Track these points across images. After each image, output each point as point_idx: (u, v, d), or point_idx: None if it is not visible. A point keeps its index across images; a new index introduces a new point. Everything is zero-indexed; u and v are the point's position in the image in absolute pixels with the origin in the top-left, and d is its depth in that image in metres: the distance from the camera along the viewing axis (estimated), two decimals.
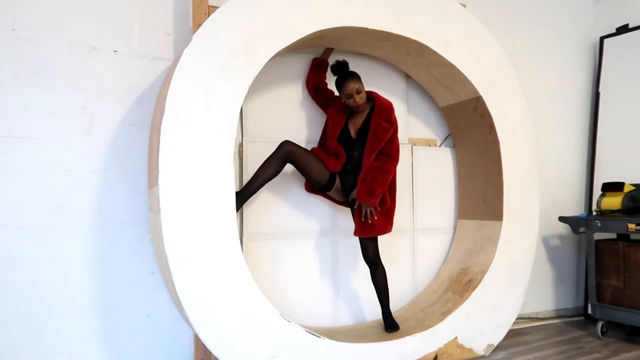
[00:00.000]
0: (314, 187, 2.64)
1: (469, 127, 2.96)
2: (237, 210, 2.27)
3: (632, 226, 2.85)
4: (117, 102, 2.42)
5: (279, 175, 2.44)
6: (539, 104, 3.55)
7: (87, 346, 2.33)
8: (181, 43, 2.55)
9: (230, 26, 2.17)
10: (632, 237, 3.09)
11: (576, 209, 3.70)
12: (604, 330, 3.07)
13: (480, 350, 2.70)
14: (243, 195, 2.33)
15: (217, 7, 2.25)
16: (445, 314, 2.62)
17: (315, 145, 2.70)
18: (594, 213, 3.23)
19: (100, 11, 2.41)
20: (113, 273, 2.39)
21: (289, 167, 2.46)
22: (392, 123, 2.48)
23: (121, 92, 2.43)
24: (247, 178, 2.56)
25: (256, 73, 2.20)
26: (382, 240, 2.61)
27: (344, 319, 2.80)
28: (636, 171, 3.37)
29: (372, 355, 2.36)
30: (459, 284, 2.82)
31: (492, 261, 2.73)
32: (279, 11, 2.26)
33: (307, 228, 2.74)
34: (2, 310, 2.18)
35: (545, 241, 3.58)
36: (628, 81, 3.54)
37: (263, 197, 2.61)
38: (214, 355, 2.15)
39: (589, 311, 3.19)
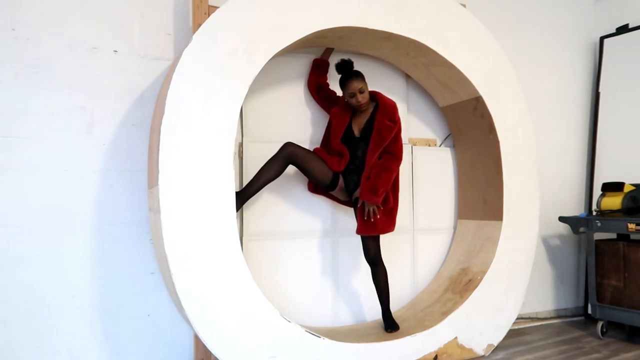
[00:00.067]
0: (317, 187, 2.64)
1: (469, 127, 2.96)
2: (237, 211, 2.27)
3: (632, 226, 2.85)
4: (117, 102, 2.42)
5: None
6: (539, 104, 3.55)
7: (87, 346, 2.33)
8: (181, 43, 2.55)
9: (230, 26, 2.17)
10: (632, 237, 3.09)
11: (576, 209, 3.70)
12: (604, 330, 3.07)
13: (480, 350, 2.70)
14: (243, 196, 2.33)
15: (217, 7, 2.25)
16: (445, 314, 2.62)
17: (316, 145, 2.71)
18: (594, 213, 3.23)
19: (100, 11, 2.41)
20: (113, 273, 2.39)
21: (290, 168, 2.46)
22: (395, 122, 2.49)
23: (121, 92, 2.44)
24: (247, 178, 2.56)
25: (256, 73, 2.20)
26: (383, 240, 2.61)
27: (344, 319, 2.80)
28: (636, 171, 3.37)
29: (372, 355, 2.36)
30: (459, 284, 2.82)
31: (492, 261, 2.73)
32: (279, 11, 2.26)
33: (307, 228, 2.74)
34: (2, 310, 2.18)
35: (545, 241, 3.58)
36: (628, 81, 3.54)
37: (263, 197, 2.61)
38: (214, 355, 2.15)
39: (589, 311, 3.19)
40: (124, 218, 2.42)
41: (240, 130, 2.61)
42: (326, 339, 2.27)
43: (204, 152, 2.07)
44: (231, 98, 2.15)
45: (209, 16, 2.22)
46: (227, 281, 2.09)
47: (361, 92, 2.45)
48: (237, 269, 2.11)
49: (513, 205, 2.81)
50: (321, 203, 2.77)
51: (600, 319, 3.07)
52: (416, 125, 3.09)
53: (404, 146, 2.59)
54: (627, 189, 3.09)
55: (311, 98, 2.78)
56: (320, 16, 2.35)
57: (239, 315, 2.11)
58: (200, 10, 2.39)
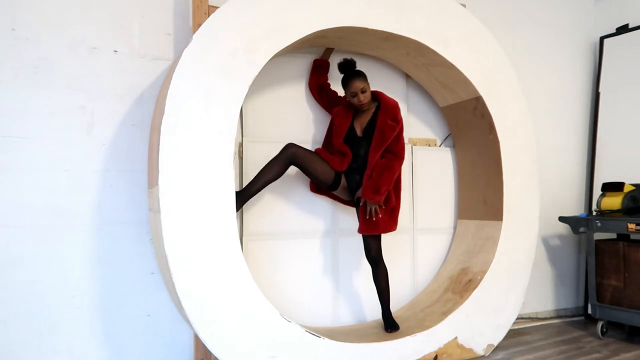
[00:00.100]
0: (319, 187, 2.65)
1: (469, 127, 2.96)
2: (237, 210, 2.27)
3: (632, 226, 2.85)
4: (117, 102, 2.42)
5: None
6: (539, 104, 3.55)
7: (87, 346, 2.33)
8: (181, 43, 2.55)
9: (230, 26, 2.17)
10: (632, 237, 3.09)
11: (576, 209, 3.70)
12: (604, 330, 3.07)
13: (480, 350, 2.70)
14: (244, 196, 2.33)
15: (217, 7, 2.25)
16: (445, 314, 2.62)
17: (316, 145, 2.71)
18: (594, 213, 3.23)
19: (100, 11, 2.41)
20: (113, 273, 2.39)
21: (290, 168, 2.46)
22: (397, 122, 2.49)
23: (121, 92, 2.43)
24: (247, 178, 2.56)
25: (256, 73, 2.20)
26: (383, 240, 2.61)
27: (344, 319, 2.80)
28: (636, 171, 3.37)
29: (372, 355, 2.36)
30: (459, 284, 2.82)
31: (492, 261, 2.73)
32: (279, 11, 2.26)
33: (307, 228, 2.74)
34: (2, 310, 2.18)
35: (545, 241, 3.58)
36: (628, 81, 3.54)
37: (263, 198, 2.61)
38: (214, 355, 2.15)
39: (589, 311, 3.19)
40: (124, 218, 2.42)
41: (240, 130, 2.61)
42: (326, 339, 2.27)
43: (204, 152, 2.07)
44: (231, 98, 2.15)
45: (209, 16, 2.22)
46: (227, 281, 2.09)
47: (363, 91, 2.45)
48: (237, 269, 2.11)
49: (513, 205, 2.81)
50: (321, 203, 2.77)
51: (600, 319, 3.07)
52: (416, 125, 3.09)
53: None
54: (627, 189, 3.09)
55: (311, 98, 2.78)
56: (320, 16, 2.35)
57: (239, 315, 2.11)
58: (200, 10, 2.39)
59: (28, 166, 2.24)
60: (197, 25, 2.33)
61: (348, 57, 2.56)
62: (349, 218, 2.81)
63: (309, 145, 2.69)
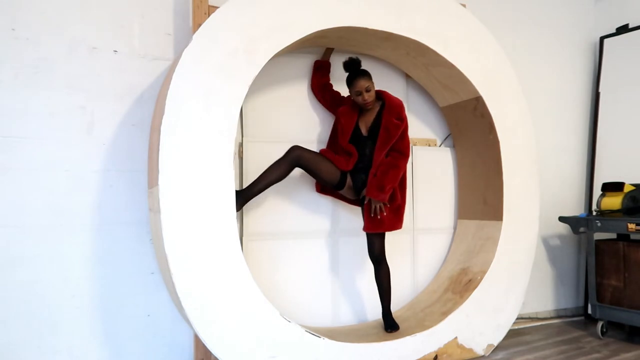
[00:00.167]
0: (324, 187, 2.65)
1: (469, 127, 2.96)
2: (238, 210, 2.27)
3: (632, 226, 2.85)
4: (117, 102, 2.42)
5: None
6: (539, 104, 3.55)
7: (87, 346, 2.33)
8: (181, 43, 2.55)
9: (230, 26, 2.17)
10: (632, 237, 3.09)
11: (576, 209, 3.70)
12: (604, 330, 3.07)
13: (480, 350, 2.70)
14: (246, 196, 2.33)
15: (217, 7, 2.25)
16: (445, 314, 2.62)
17: (317, 144, 2.71)
18: (594, 213, 3.23)
19: (100, 11, 2.41)
20: (113, 273, 2.39)
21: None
22: (402, 120, 2.50)
23: (121, 92, 2.43)
24: (247, 178, 2.56)
25: (256, 73, 2.20)
26: None
27: (344, 319, 2.80)
28: (636, 171, 3.37)
29: (372, 355, 2.36)
30: (459, 284, 2.82)
31: (492, 261, 2.73)
32: (279, 11, 2.26)
33: (307, 228, 2.74)
34: (2, 310, 2.18)
35: (545, 241, 3.58)
36: (628, 81, 3.54)
37: (263, 197, 2.61)
38: (214, 355, 2.15)
39: (589, 311, 3.19)
40: (124, 218, 2.42)
41: (240, 130, 2.61)
42: (326, 339, 2.27)
43: (204, 152, 2.07)
44: (231, 98, 2.15)
45: (209, 16, 2.22)
46: (227, 281, 2.09)
47: (368, 90, 2.46)
48: (237, 269, 2.11)
49: (513, 205, 2.81)
50: (321, 203, 2.77)
51: (600, 319, 3.07)
52: (416, 125, 3.09)
53: None
54: (627, 189, 3.09)
55: (312, 98, 2.78)
56: (320, 16, 2.35)
57: (239, 315, 2.10)
58: (200, 10, 2.39)
59: (28, 166, 2.24)
60: (197, 25, 2.33)
61: (353, 56, 2.56)
62: (349, 218, 2.81)
63: (309, 145, 2.68)
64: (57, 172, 2.30)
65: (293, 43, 2.31)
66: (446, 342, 2.57)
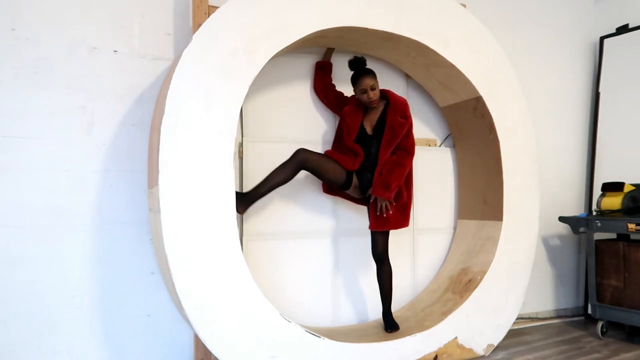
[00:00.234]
0: (331, 188, 2.65)
1: (469, 127, 2.96)
2: (243, 213, 2.28)
3: (632, 226, 2.85)
4: (117, 102, 2.42)
5: None
6: (539, 104, 3.55)
7: (87, 346, 2.33)
8: (181, 43, 2.55)
9: (230, 26, 2.17)
10: (632, 237, 3.09)
11: (576, 209, 3.70)
12: (604, 330, 3.07)
13: (480, 350, 2.70)
14: (251, 198, 2.33)
15: (217, 7, 2.25)
16: (445, 314, 2.62)
17: (317, 144, 2.71)
18: (594, 213, 3.23)
19: (100, 11, 2.41)
20: (113, 273, 2.39)
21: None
22: (407, 118, 2.51)
23: (121, 92, 2.43)
24: (247, 178, 2.56)
25: (256, 73, 2.20)
26: None
27: (344, 319, 2.80)
28: (636, 171, 3.37)
29: (372, 355, 2.36)
30: (459, 284, 2.82)
31: (492, 261, 2.73)
32: (279, 11, 2.26)
33: (307, 228, 2.74)
34: (2, 310, 2.18)
35: (545, 241, 3.58)
36: (628, 81, 3.54)
37: (264, 197, 2.60)
38: (214, 355, 2.15)
39: (589, 311, 3.19)
40: (124, 218, 2.42)
41: (240, 130, 2.61)
42: (326, 339, 2.27)
43: (204, 152, 2.07)
44: (231, 98, 2.15)
45: (209, 16, 2.22)
46: (227, 281, 2.09)
47: (373, 89, 2.47)
48: (237, 269, 2.11)
49: (513, 205, 2.81)
50: (322, 203, 2.77)
51: (600, 319, 3.07)
52: (416, 125, 3.06)
53: None
54: (627, 189, 3.09)
55: (312, 98, 2.79)
56: (320, 16, 2.35)
57: (239, 315, 2.10)
58: (200, 10, 2.39)
59: (28, 166, 2.24)
60: (197, 25, 2.33)
61: (358, 55, 2.57)
62: (349, 218, 2.82)
63: (310, 145, 2.68)
64: (57, 172, 2.30)
65: (293, 43, 2.31)
66: (446, 342, 2.57)
